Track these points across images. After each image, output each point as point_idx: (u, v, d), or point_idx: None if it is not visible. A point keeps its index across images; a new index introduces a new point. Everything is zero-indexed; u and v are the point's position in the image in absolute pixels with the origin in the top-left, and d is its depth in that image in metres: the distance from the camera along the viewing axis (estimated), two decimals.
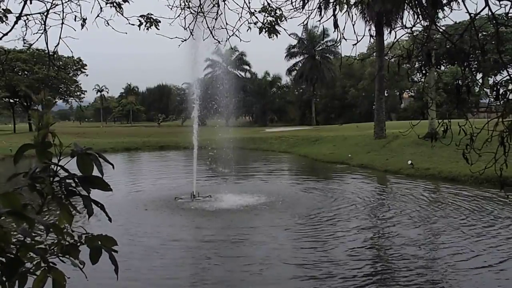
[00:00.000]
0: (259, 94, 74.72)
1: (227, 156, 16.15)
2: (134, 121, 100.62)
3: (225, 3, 4.84)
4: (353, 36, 3.86)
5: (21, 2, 4.20)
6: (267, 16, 5.07)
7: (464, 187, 15.05)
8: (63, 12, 4.47)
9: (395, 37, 4.01)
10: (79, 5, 4.64)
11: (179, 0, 4.92)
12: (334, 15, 3.79)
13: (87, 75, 72.92)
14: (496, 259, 7.68)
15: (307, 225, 10.59)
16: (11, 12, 4.42)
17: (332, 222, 10.84)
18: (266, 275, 7.26)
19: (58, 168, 1.37)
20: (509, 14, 2.99)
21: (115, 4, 4.89)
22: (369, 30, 16.68)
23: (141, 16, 5.08)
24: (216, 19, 4.94)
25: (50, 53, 4.93)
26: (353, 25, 3.96)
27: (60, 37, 4.54)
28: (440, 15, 4.31)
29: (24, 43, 4.94)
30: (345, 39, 3.90)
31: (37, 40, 4.61)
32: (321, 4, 4.10)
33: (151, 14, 5.12)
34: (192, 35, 5.09)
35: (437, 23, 3.94)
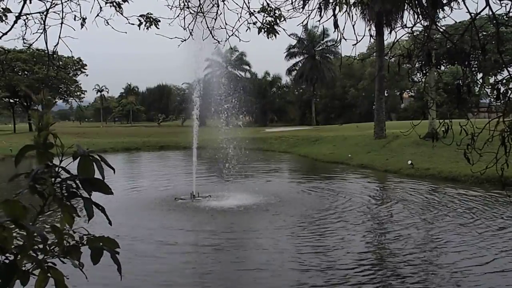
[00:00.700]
0: (259, 94, 74.68)
1: (227, 156, 16.13)
2: (134, 121, 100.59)
3: (224, 3, 4.84)
4: (353, 36, 3.85)
5: (21, 1, 4.19)
6: (266, 16, 5.07)
7: (465, 187, 15.05)
8: (62, 12, 4.47)
9: (395, 37, 4.01)
10: (78, 4, 4.64)
11: (178, 0, 4.92)
12: (334, 15, 3.79)
13: (87, 75, 72.96)
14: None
15: (308, 226, 10.53)
16: (10, 11, 4.41)
17: (333, 222, 10.80)
18: (268, 281, 7.04)
19: (60, 169, 1.37)
20: (510, 14, 2.99)
21: (114, 4, 4.88)
22: (369, 30, 16.67)
23: (140, 15, 5.08)
24: (215, 19, 4.93)
25: (50, 53, 4.92)
26: (353, 25, 3.95)
27: (59, 37, 4.54)
28: (441, 15, 4.30)
29: (24, 42, 4.93)
30: (345, 39, 3.90)
31: (37, 39, 4.61)
32: (321, 4, 4.09)
33: (151, 14, 5.12)
34: (192, 35, 5.09)
35: (437, 23, 3.93)
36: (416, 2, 5.11)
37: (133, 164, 30.00)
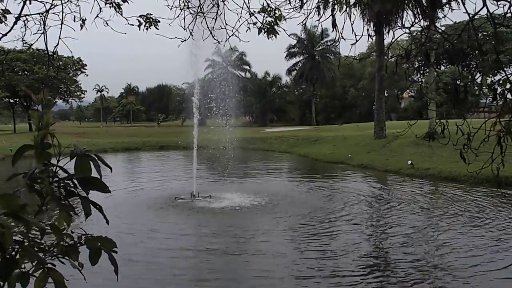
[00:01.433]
0: (259, 94, 74.72)
1: (227, 156, 16.15)
2: (134, 121, 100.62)
3: (224, 3, 4.84)
4: (352, 36, 3.87)
5: (20, 2, 4.21)
6: (267, 17, 5.08)
7: (465, 187, 15.06)
8: (62, 13, 4.48)
9: (394, 37, 4.03)
10: (78, 5, 4.65)
11: (178, 0, 4.93)
12: (333, 15, 3.80)
13: (87, 75, 72.95)
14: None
15: (309, 227, 10.45)
16: (10, 13, 4.42)
17: (334, 223, 10.77)
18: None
19: (57, 168, 1.38)
20: (507, 14, 3.00)
21: (114, 5, 4.89)
22: (368, 30, 16.69)
23: (140, 16, 5.08)
24: (215, 19, 4.94)
25: (50, 53, 4.93)
26: (352, 25, 3.97)
27: (59, 37, 4.55)
28: (440, 15, 4.32)
29: (24, 43, 4.94)
30: (344, 39, 3.91)
31: (37, 40, 4.61)
32: (320, 4, 4.11)
33: (151, 14, 5.13)
34: (192, 35, 5.10)
35: (436, 23, 3.95)
36: (416, 2, 5.12)
37: (133, 164, 30.01)
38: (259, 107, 76.03)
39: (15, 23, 4.19)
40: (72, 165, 1.40)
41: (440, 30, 3.65)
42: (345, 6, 4.04)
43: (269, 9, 5.08)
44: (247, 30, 5.09)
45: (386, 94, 42.27)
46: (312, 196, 14.63)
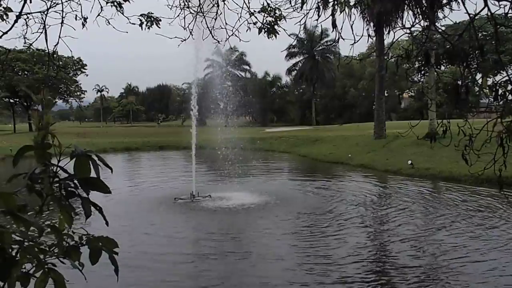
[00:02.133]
0: (259, 94, 74.76)
1: (227, 156, 16.12)
2: (134, 121, 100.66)
3: (224, 3, 4.84)
4: (352, 36, 3.86)
5: (21, 0, 4.20)
6: (267, 16, 5.07)
7: (466, 186, 15.04)
8: (63, 11, 4.47)
9: (394, 37, 4.02)
10: (79, 4, 4.64)
11: (178, 0, 4.92)
12: (333, 15, 3.80)
13: (87, 75, 73.10)
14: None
15: (309, 227, 10.40)
16: (11, 11, 4.41)
17: (335, 223, 10.71)
18: None
19: (58, 169, 1.38)
20: (508, 14, 2.99)
21: (115, 4, 4.89)
22: (367, 30, 16.69)
23: (141, 15, 5.08)
24: (215, 19, 4.93)
25: (50, 53, 4.93)
26: (351, 25, 3.96)
27: (59, 36, 4.55)
28: (440, 15, 4.31)
29: (25, 42, 4.93)
30: (343, 39, 3.91)
31: (37, 39, 4.61)
32: (320, 4, 4.10)
33: (152, 13, 5.12)
34: (192, 35, 5.09)
35: (436, 23, 3.94)
36: (416, 2, 5.12)
37: (133, 164, 30.01)
38: (259, 107, 76.06)
39: (15, 21, 4.19)
40: (71, 166, 1.39)
41: (440, 30, 3.64)
42: (346, 9, 4.04)
43: (269, 8, 5.07)
44: (247, 30, 5.08)
45: (386, 94, 42.25)
46: (312, 196, 14.61)
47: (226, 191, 14.37)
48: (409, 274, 7.11)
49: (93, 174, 1.37)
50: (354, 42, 3.79)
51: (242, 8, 4.83)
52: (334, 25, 3.80)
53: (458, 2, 3.55)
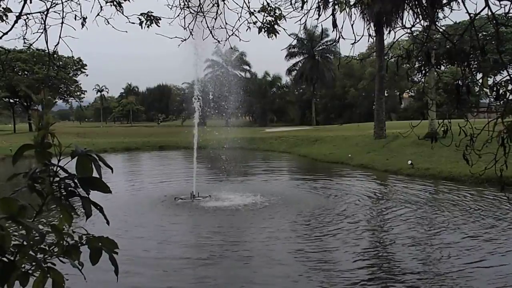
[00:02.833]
0: (259, 94, 74.76)
1: (227, 156, 16.13)
2: (134, 121, 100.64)
3: (224, 3, 4.84)
4: (352, 36, 3.86)
5: (21, 1, 4.20)
6: (267, 16, 5.07)
7: (466, 186, 15.03)
8: (63, 12, 4.47)
9: (395, 37, 4.02)
10: (79, 4, 4.64)
11: (178, 0, 4.92)
12: (333, 15, 3.79)
13: (87, 75, 73.12)
14: None
15: (310, 227, 10.34)
16: (11, 11, 4.41)
17: (335, 224, 10.65)
18: None
19: (58, 168, 1.37)
20: (509, 14, 2.99)
21: (115, 3, 4.89)
22: (368, 29, 16.68)
23: (141, 14, 5.08)
24: (215, 19, 4.93)
25: (50, 53, 4.92)
26: (352, 25, 3.96)
27: (60, 37, 4.54)
28: (440, 15, 4.31)
29: (24, 42, 4.93)
30: (344, 38, 3.91)
31: (37, 39, 4.61)
32: (320, 4, 4.10)
33: (152, 12, 5.12)
34: (192, 35, 5.09)
35: (437, 23, 3.94)
36: (416, 2, 5.11)
37: (133, 164, 30.00)
38: (259, 107, 76.10)
39: (15, 21, 4.19)
40: (72, 165, 1.39)
41: (441, 30, 3.64)
42: (345, 7, 4.03)
43: (269, 8, 5.07)
44: (247, 29, 5.08)
45: (386, 94, 42.25)
46: (312, 196, 14.59)
47: (226, 191, 14.36)
48: (416, 280, 6.93)
49: (94, 173, 1.37)
50: (355, 42, 3.78)
51: (242, 7, 4.83)
52: (334, 24, 3.80)
53: (458, 2, 3.54)
